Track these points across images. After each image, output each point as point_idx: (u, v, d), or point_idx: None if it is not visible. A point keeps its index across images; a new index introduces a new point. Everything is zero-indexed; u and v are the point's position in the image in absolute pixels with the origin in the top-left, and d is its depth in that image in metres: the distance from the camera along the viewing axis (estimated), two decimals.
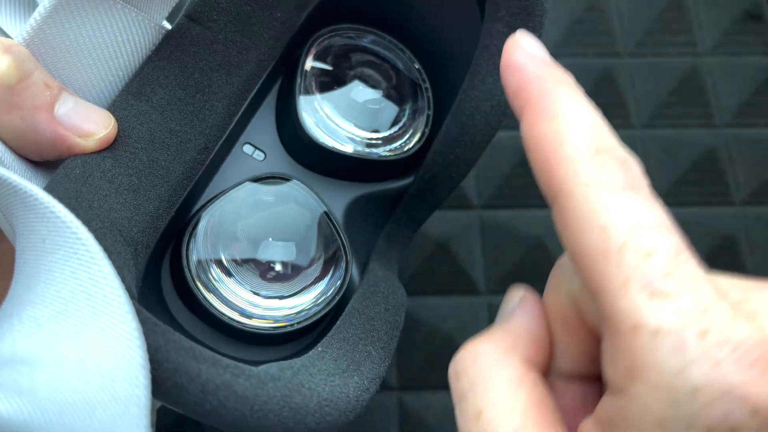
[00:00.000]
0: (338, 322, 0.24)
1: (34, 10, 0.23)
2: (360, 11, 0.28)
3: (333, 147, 0.27)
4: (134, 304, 0.17)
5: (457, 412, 0.17)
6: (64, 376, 0.16)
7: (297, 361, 0.21)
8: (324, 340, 0.23)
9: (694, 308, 0.14)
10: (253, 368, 0.19)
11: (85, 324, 0.16)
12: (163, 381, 0.17)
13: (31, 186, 0.18)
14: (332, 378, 0.21)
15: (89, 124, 0.21)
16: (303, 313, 0.25)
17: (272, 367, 0.20)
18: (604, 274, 0.14)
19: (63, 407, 0.15)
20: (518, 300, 0.18)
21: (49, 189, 0.20)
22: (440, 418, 0.36)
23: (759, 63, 0.43)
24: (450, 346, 0.37)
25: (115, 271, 0.17)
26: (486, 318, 0.38)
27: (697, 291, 0.14)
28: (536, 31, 0.25)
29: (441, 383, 0.36)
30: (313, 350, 0.22)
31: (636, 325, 0.14)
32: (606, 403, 0.15)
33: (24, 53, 0.20)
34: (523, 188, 0.40)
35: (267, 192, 0.26)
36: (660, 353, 0.14)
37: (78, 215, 0.18)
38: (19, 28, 0.23)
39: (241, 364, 0.19)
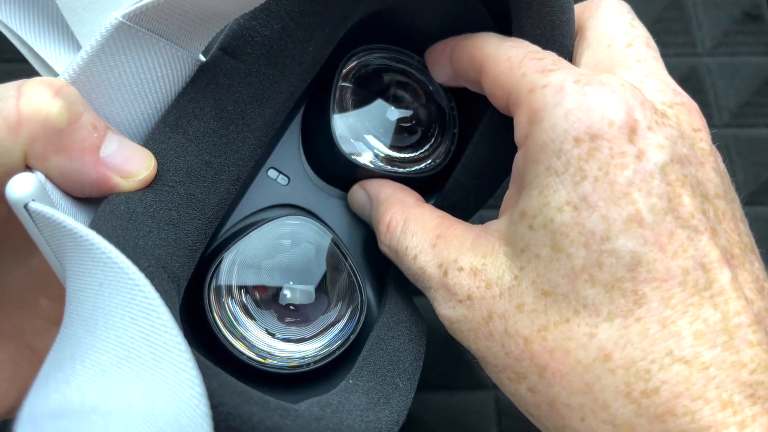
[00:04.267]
0: (365, 352, 0.24)
1: (72, 39, 0.23)
2: (387, 33, 0.29)
3: (364, 164, 0.27)
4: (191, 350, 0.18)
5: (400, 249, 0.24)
6: (136, 426, 0.16)
7: (334, 397, 0.22)
8: (354, 371, 0.24)
9: (571, 73, 0.21)
10: (298, 408, 0.20)
11: (148, 371, 0.17)
12: (217, 424, 0.18)
13: (87, 230, 0.18)
14: (366, 413, 0.22)
15: (132, 165, 0.21)
16: (320, 354, 0.25)
17: (314, 406, 0.21)
18: (514, 78, 0.22)
19: None
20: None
21: (96, 226, 0.20)
22: (440, 418, 0.36)
23: (758, 63, 0.43)
24: (450, 346, 0.37)
25: (172, 317, 0.17)
26: None
27: (574, 68, 0.22)
28: (564, 49, 0.25)
29: (441, 383, 0.36)
30: (344, 383, 0.23)
31: (532, 87, 0.21)
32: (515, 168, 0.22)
33: (74, 95, 0.20)
34: None
35: (289, 234, 0.26)
36: (547, 97, 0.21)
37: (127, 254, 0.18)
38: (58, 57, 0.23)
39: (286, 405, 0.20)
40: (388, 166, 0.28)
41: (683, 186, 0.20)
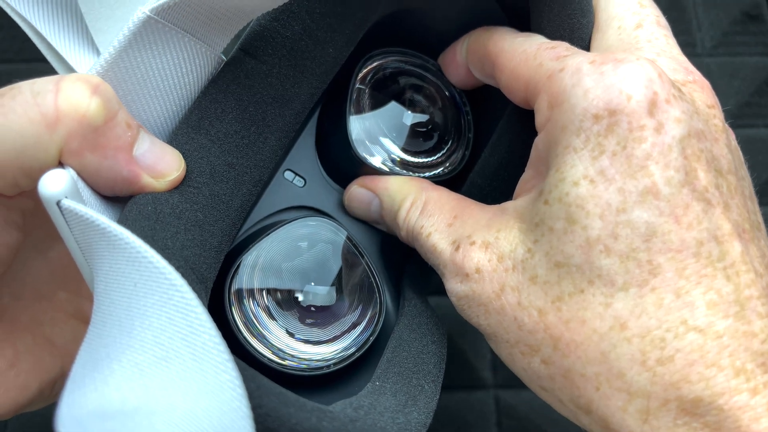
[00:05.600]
0: (389, 354, 0.24)
1: (87, 35, 0.23)
2: (404, 37, 0.29)
3: (379, 168, 0.27)
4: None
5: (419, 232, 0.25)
6: (181, 428, 0.16)
7: (364, 399, 0.22)
8: (379, 373, 0.24)
9: (585, 55, 0.21)
10: (333, 410, 0.20)
11: (188, 372, 0.17)
12: (256, 426, 0.18)
13: (122, 229, 0.18)
14: (397, 416, 0.22)
15: (163, 165, 0.21)
16: (338, 357, 0.25)
17: (347, 408, 0.21)
18: (530, 68, 0.23)
19: None
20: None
21: (124, 226, 0.20)
22: (440, 418, 0.36)
23: (758, 63, 0.43)
24: (450, 347, 0.37)
25: (209, 317, 0.17)
26: None
27: (587, 52, 0.22)
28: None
29: (442, 383, 0.36)
30: (371, 384, 0.23)
31: (550, 73, 0.22)
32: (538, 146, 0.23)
33: (111, 93, 0.20)
34: None
35: (307, 235, 0.26)
36: (565, 80, 0.21)
37: None
38: (75, 53, 0.23)
39: (322, 407, 0.20)
40: (403, 171, 0.28)
41: (699, 160, 0.20)
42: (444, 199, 0.25)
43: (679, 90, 0.21)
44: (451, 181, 0.28)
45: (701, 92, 0.22)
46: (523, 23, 0.26)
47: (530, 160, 0.23)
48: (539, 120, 0.22)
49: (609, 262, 0.20)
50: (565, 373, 0.21)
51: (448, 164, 0.29)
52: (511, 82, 0.24)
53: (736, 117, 0.42)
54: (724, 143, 0.22)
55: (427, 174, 0.28)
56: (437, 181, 0.28)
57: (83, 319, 0.25)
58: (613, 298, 0.20)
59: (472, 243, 0.23)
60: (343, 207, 0.28)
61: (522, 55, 0.23)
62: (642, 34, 0.24)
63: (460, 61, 0.28)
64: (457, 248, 0.23)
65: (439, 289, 0.38)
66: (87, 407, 0.16)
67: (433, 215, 0.25)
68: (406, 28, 0.28)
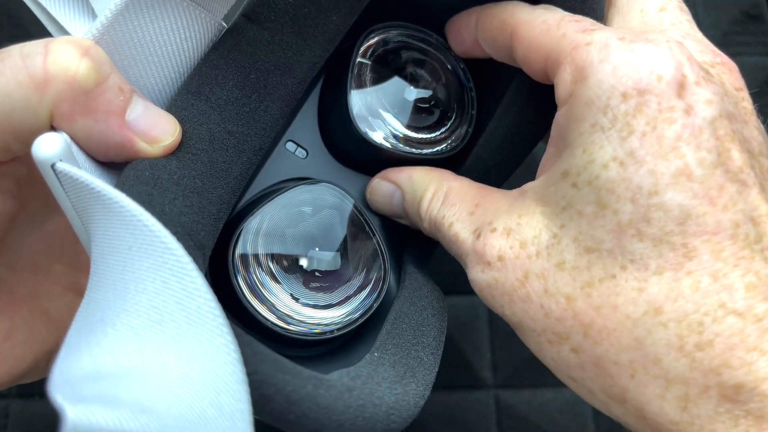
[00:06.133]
0: (388, 326, 0.24)
1: (87, 4, 0.23)
2: (407, 10, 0.28)
3: (380, 143, 0.27)
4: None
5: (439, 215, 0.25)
6: (175, 390, 0.16)
7: (362, 369, 0.22)
8: (378, 344, 0.23)
9: (614, 31, 0.21)
10: (330, 378, 0.20)
11: (183, 335, 0.16)
12: (250, 392, 0.18)
13: (116, 192, 0.18)
14: (394, 386, 0.22)
15: (157, 131, 0.21)
16: (344, 322, 0.25)
17: (345, 377, 0.21)
18: (552, 39, 0.22)
19: (182, 423, 0.16)
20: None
21: (121, 191, 0.19)
22: (440, 418, 0.36)
23: (758, 63, 0.43)
24: (450, 346, 0.37)
25: (205, 281, 0.17)
26: (486, 317, 0.38)
27: (610, 28, 0.22)
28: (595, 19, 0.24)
29: (441, 383, 0.36)
30: (369, 355, 0.23)
31: (575, 45, 0.21)
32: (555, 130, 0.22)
33: (102, 56, 0.20)
34: None
35: (313, 200, 0.26)
36: (592, 54, 0.20)
37: None
38: (74, 21, 0.23)
39: (318, 375, 0.20)
40: (406, 147, 0.28)
41: (732, 141, 0.19)
42: (465, 188, 0.25)
43: (708, 72, 0.21)
44: (455, 157, 0.28)
45: (729, 74, 0.22)
46: None
47: (551, 137, 0.23)
48: (560, 93, 0.21)
49: (642, 246, 0.19)
50: (597, 361, 0.20)
51: (450, 140, 0.28)
52: (530, 52, 0.23)
53: None
54: (755, 125, 0.21)
55: (429, 150, 0.28)
56: (440, 157, 0.28)
57: (79, 293, 0.25)
58: (647, 283, 0.19)
59: (493, 230, 0.22)
60: (344, 178, 0.28)
61: (543, 26, 0.23)
62: (666, 17, 0.24)
63: (468, 33, 0.27)
64: (478, 236, 0.23)
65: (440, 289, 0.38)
66: (81, 370, 0.16)
67: (455, 205, 0.24)
68: (409, 2, 0.28)
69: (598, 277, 0.20)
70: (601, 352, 0.20)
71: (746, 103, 0.22)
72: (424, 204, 0.25)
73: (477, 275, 0.23)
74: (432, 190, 0.25)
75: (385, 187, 0.27)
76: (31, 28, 0.37)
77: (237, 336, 0.18)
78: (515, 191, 0.23)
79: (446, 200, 0.25)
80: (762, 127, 0.22)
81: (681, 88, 0.19)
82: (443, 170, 0.26)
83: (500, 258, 0.22)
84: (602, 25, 0.22)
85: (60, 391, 0.15)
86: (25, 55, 0.19)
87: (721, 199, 0.19)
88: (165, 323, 0.16)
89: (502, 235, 0.22)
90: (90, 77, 0.19)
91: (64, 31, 0.23)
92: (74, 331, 0.17)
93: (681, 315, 0.19)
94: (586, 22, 0.22)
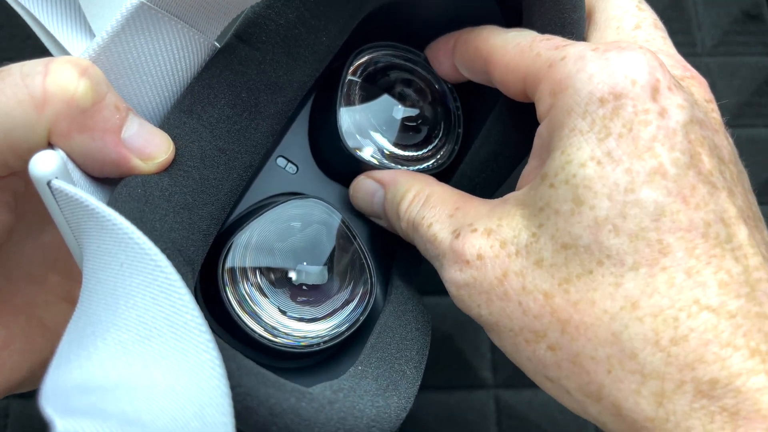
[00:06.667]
0: (373, 339, 0.25)
1: (84, 22, 0.23)
2: (395, 30, 0.29)
3: (368, 160, 0.28)
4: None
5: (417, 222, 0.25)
6: (161, 403, 0.16)
7: (345, 382, 0.22)
8: (362, 357, 0.24)
9: (587, 44, 0.22)
10: (312, 391, 0.21)
11: (170, 350, 0.17)
12: (234, 405, 0.18)
13: (109, 210, 0.18)
14: (377, 399, 0.22)
15: (151, 148, 0.22)
16: (330, 335, 0.26)
17: (327, 390, 0.21)
18: (527, 60, 0.23)
19: None
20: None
21: (113, 208, 0.20)
22: (440, 418, 0.36)
23: (758, 63, 0.43)
24: (450, 346, 0.37)
25: (192, 298, 0.18)
26: None
27: (587, 42, 0.22)
28: None
29: (441, 383, 0.36)
30: (353, 368, 0.23)
31: (551, 62, 0.22)
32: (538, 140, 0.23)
33: (99, 76, 0.20)
34: None
35: (300, 215, 0.27)
36: (568, 66, 0.21)
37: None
38: (72, 39, 0.23)
39: (301, 388, 0.20)
40: (392, 164, 0.28)
41: (702, 146, 0.20)
42: (447, 193, 0.25)
43: (678, 83, 0.21)
44: (441, 174, 0.29)
45: (699, 87, 0.23)
46: (518, 16, 0.26)
47: (533, 150, 0.23)
48: (541, 109, 0.22)
49: (618, 241, 0.19)
50: (574, 357, 0.20)
51: (437, 158, 0.29)
52: (507, 75, 0.24)
53: (736, 117, 0.42)
54: (724, 135, 0.22)
55: (415, 167, 0.29)
56: (426, 174, 0.28)
57: (74, 302, 0.25)
58: (624, 278, 0.19)
59: (473, 230, 0.23)
60: (333, 194, 0.28)
61: (516, 48, 0.24)
62: (640, 34, 0.25)
63: (446, 59, 0.28)
64: (458, 236, 0.23)
65: (439, 289, 0.38)
66: (71, 382, 0.16)
67: (436, 207, 0.25)
68: (397, 20, 0.28)
69: (575, 273, 0.20)
70: (577, 348, 0.20)
71: (715, 114, 0.22)
72: (404, 204, 0.26)
73: (454, 274, 0.23)
74: (414, 192, 0.26)
75: (368, 184, 0.28)
76: (30, 29, 0.37)
77: (222, 350, 0.18)
78: (496, 200, 0.24)
79: (427, 202, 0.25)
80: (730, 138, 0.23)
81: (655, 91, 0.20)
82: (427, 176, 0.27)
83: (480, 257, 0.22)
84: (574, 41, 0.23)
85: (50, 403, 0.16)
86: (25, 74, 0.19)
87: (694, 199, 0.19)
88: (153, 338, 0.17)
89: (482, 235, 0.22)
90: (88, 97, 0.20)
91: (61, 48, 0.23)
92: (65, 343, 0.18)
93: (657, 310, 0.19)
94: (557, 39, 0.23)
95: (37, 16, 0.23)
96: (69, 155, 0.20)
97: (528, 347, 0.21)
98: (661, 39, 0.25)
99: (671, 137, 0.20)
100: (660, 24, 0.25)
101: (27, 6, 0.23)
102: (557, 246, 0.20)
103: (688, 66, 0.24)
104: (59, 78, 0.19)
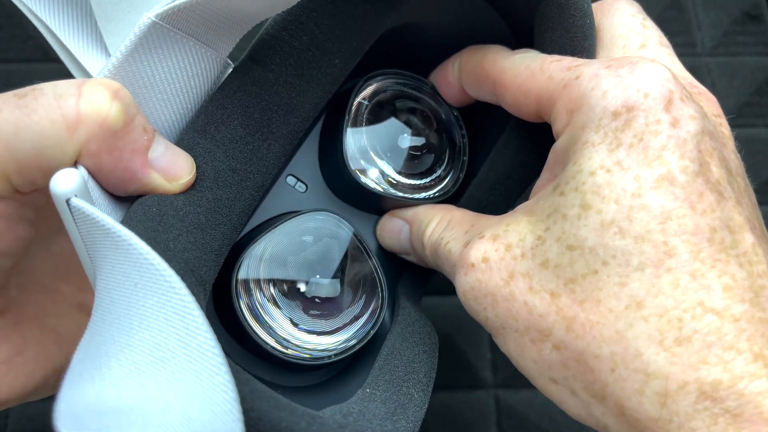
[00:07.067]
0: (381, 362, 0.25)
1: (99, 37, 0.24)
2: (405, 54, 0.29)
3: (373, 188, 0.28)
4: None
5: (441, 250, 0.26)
6: (174, 427, 0.16)
7: (354, 406, 0.23)
8: (369, 380, 0.24)
9: (599, 61, 0.22)
10: (323, 415, 0.21)
11: (183, 373, 0.17)
12: (247, 429, 0.18)
13: (126, 231, 0.18)
14: (385, 423, 0.22)
15: (176, 169, 0.22)
16: (340, 348, 0.26)
17: (337, 414, 0.22)
18: (539, 82, 0.23)
19: None
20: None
21: (128, 227, 0.20)
22: (440, 418, 0.36)
23: (758, 63, 0.43)
24: (450, 346, 0.37)
25: (206, 320, 0.18)
26: None
27: (599, 60, 0.23)
28: None
29: (441, 383, 0.36)
30: (361, 391, 0.24)
31: (566, 83, 0.22)
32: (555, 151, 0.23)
33: (129, 98, 0.21)
34: None
35: (315, 229, 0.27)
36: (583, 85, 0.22)
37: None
38: (89, 55, 0.24)
39: (312, 412, 0.21)
40: (398, 192, 0.29)
41: (712, 156, 0.20)
42: (466, 215, 0.26)
43: (690, 94, 0.21)
44: (448, 200, 0.29)
45: (707, 102, 0.23)
46: (528, 40, 0.27)
47: (547, 165, 0.24)
48: (557, 127, 0.23)
49: (624, 243, 0.20)
50: (578, 356, 0.20)
51: (441, 186, 0.29)
52: (519, 98, 0.24)
53: (736, 117, 0.42)
54: (732, 149, 0.22)
55: (420, 195, 0.29)
56: (431, 202, 0.29)
57: (86, 311, 0.26)
58: (629, 278, 0.20)
59: (480, 237, 0.23)
60: (342, 213, 0.29)
61: (526, 71, 0.24)
62: (646, 53, 0.25)
63: (453, 80, 0.28)
64: (467, 245, 0.23)
65: (439, 289, 0.38)
66: (84, 402, 0.16)
67: (454, 228, 0.26)
68: (408, 44, 0.29)
69: (580, 273, 0.20)
70: (582, 346, 0.20)
71: (724, 129, 0.23)
72: (428, 231, 0.27)
73: (461, 279, 0.23)
74: (437, 220, 0.27)
75: (394, 222, 0.28)
76: (31, 29, 0.37)
77: (235, 373, 0.18)
78: (508, 212, 0.24)
79: (448, 226, 0.26)
80: (738, 154, 0.23)
81: (668, 103, 0.20)
82: (448, 204, 0.28)
83: (485, 260, 0.23)
84: (585, 60, 0.23)
85: (65, 425, 0.16)
86: (58, 95, 0.20)
87: (701, 205, 0.20)
88: (167, 360, 0.17)
89: (488, 240, 0.23)
90: (119, 119, 0.20)
91: (79, 65, 0.24)
92: (77, 361, 0.18)
93: (661, 310, 0.19)
94: (567, 60, 0.23)
95: (56, 31, 0.23)
96: (95, 174, 0.21)
97: (533, 347, 0.22)
98: (668, 56, 0.25)
99: (682, 146, 0.20)
100: (665, 41, 0.26)
101: (46, 21, 0.23)
102: (563, 248, 0.21)
103: (696, 83, 0.24)
104: (93, 100, 0.20)
